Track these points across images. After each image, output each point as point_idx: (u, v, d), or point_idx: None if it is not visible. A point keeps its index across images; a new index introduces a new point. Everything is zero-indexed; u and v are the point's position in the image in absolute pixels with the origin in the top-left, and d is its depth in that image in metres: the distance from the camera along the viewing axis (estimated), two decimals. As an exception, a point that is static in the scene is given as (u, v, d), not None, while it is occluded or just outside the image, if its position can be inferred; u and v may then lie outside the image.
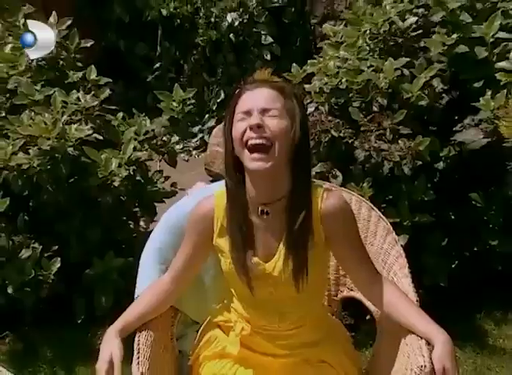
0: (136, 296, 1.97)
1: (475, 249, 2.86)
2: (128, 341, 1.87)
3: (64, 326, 2.83)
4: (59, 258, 2.76)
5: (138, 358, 1.76)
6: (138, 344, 1.81)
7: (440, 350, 1.66)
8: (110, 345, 1.83)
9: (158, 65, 4.51)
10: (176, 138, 3.17)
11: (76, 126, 2.68)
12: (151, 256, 2.09)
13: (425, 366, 1.67)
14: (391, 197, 2.66)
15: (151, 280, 2.01)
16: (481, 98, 2.65)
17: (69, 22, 3.16)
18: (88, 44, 3.24)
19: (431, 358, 1.68)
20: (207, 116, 4.56)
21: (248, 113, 1.71)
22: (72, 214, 2.84)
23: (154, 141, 3.12)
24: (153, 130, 3.14)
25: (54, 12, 3.22)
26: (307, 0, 4.75)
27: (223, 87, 4.61)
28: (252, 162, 1.69)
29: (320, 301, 2.10)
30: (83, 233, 2.84)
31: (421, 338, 1.72)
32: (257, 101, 1.73)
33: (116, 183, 2.72)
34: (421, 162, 2.73)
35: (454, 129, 2.82)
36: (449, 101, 2.83)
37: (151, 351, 1.81)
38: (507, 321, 2.90)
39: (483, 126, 2.70)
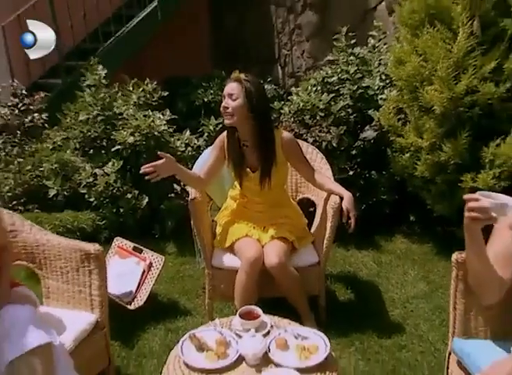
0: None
1: (374, 199, 3.02)
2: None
3: (148, 239, 2.91)
4: (147, 197, 2.95)
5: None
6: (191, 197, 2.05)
7: (346, 199, 1.97)
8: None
9: (201, 129, 4.79)
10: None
11: (158, 120, 2.96)
12: (198, 165, 2.34)
13: (336, 202, 2.00)
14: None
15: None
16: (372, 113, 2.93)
17: (155, 82, 3.39)
18: (165, 94, 3.37)
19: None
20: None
21: (224, 97, 2.00)
22: (155, 173, 3.10)
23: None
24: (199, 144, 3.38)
25: (148, 79, 3.38)
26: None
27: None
28: (225, 121, 2.03)
29: (281, 191, 2.25)
30: (160, 185, 2.86)
31: (338, 196, 2.01)
32: (227, 90, 1.99)
33: (178, 153, 2.99)
34: (343, 148, 2.91)
35: (360, 132, 3.00)
36: (357, 120, 3.04)
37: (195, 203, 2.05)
38: (393, 239, 3.01)
39: (374, 128, 2.93)
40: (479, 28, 2.32)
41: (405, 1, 2.66)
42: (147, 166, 1.89)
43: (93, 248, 1.68)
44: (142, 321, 2.26)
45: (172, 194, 3.11)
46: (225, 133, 2.16)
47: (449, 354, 1.54)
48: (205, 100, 4.64)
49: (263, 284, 2.03)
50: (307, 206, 2.48)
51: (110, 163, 2.96)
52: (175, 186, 3.17)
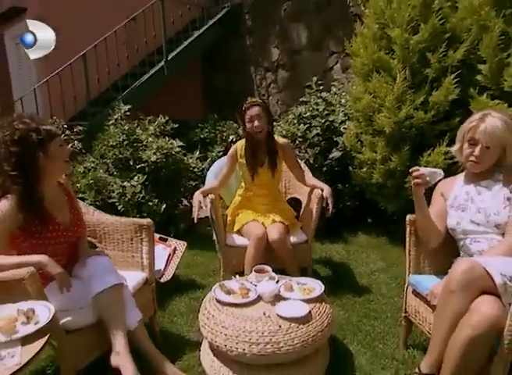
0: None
1: (341, 206, 3.24)
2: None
3: (169, 234, 2.88)
4: (165, 204, 3.08)
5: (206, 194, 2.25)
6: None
7: (326, 191, 2.20)
8: (196, 195, 2.22)
9: (202, 156, 4.82)
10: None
11: (175, 143, 3.18)
12: (211, 175, 2.53)
13: (319, 192, 2.24)
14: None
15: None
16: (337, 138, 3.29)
17: (166, 118, 3.55)
18: (175, 126, 3.47)
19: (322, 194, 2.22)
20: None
21: (251, 118, 2.24)
22: (171, 185, 3.20)
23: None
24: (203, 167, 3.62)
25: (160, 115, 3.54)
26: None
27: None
28: (257, 135, 2.25)
29: (277, 190, 2.49)
30: (175, 195, 3.18)
31: (320, 189, 2.24)
32: (254, 112, 2.24)
33: (190, 168, 3.20)
34: (317, 165, 3.21)
35: (329, 154, 3.29)
36: (326, 145, 3.35)
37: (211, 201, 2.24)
38: (356, 235, 3.28)
39: (339, 149, 3.24)
40: (409, 75, 2.70)
41: (357, 57, 3.09)
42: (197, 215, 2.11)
43: (145, 221, 1.90)
44: (170, 292, 2.43)
45: (184, 203, 3.33)
46: (237, 144, 2.41)
47: (407, 287, 1.83)
48: (201, 136, 4.85)
49: (266, 258, 2.23)
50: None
51: (136, 177, 3.15)
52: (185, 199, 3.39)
